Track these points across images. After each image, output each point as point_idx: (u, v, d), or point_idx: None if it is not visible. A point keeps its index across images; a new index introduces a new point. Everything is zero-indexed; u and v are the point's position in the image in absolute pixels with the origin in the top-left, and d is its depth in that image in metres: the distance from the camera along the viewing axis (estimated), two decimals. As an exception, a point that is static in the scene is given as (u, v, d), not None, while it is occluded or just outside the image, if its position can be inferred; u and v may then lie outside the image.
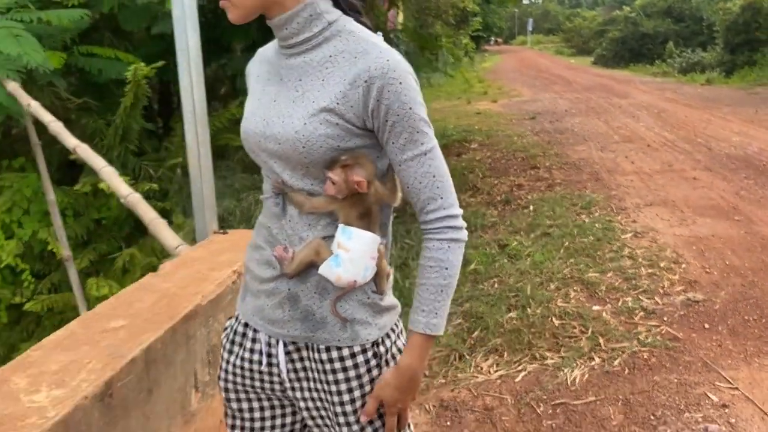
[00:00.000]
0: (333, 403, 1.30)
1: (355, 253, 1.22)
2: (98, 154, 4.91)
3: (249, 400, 1.41)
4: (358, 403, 1.30)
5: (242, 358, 1.39)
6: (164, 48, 5.59)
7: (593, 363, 3.31)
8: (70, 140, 3.23)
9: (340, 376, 1.29)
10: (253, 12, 1.22)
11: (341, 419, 1.30)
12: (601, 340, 3.51)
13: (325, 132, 1.19)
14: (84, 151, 3.15)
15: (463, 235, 1.27)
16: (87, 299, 4.81)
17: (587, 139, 9.65)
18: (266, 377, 1.37)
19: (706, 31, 25.41)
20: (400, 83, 1.17)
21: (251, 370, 1.38)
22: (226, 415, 1.45)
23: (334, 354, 1.28)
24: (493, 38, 43.64)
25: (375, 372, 1.30)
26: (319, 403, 1.33)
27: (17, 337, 5.23)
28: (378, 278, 1.29)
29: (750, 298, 3.85)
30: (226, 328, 1.46)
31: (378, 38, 1.24)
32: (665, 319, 3.68)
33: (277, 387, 1.37)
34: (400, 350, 1.34)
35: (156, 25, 4.62)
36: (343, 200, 1.23)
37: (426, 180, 1.22)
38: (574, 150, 8.85)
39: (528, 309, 3.98)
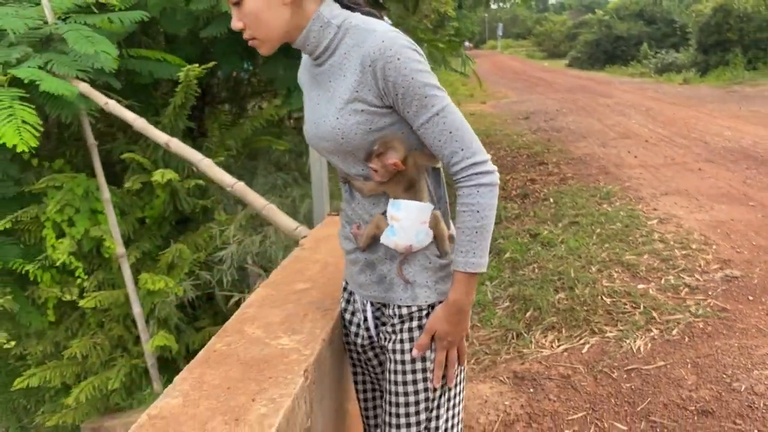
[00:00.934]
0: (395, 351, 1.50)
1: (405, 221, 1.41)
2: (143, 154, 5.08)
3: (364, 351, 1.68)
4: (407, 356, 1.48)
5: (352, 314, 1.68)
6: (201, 50, 5.76)
7: (652, 333, 3.57)
8: (160, 136, 3.38)
9: (398, 327, 1.49)
10: (278, 42, 1.41)
11: (398, 366, 1.50)
12: (654, 314, 3.77)
13: (355, 120, 1.36)
14: (177, 145, 3.31)
15: (491, 178, 1.37)
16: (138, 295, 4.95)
17: (585, 136, 9.98)
18: (366, 332, 1.64)
19: (678, 33, 26.17)
20: (398, 58, 1.30)
21: (358, 326, 1.66)
22: (350, 364, 1.75)
23: (396, 311, 1.50)
24: (466, 42, 44.08)
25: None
26: (389, 345, 1.52)
27: (62, 335, 5.33)
28: (438, 242, 1.47)
29: (783, 273, 4.16)
30: (343, 293, 1.73)
31: (380, 23, 1.38)
32: (710, 293, 3.96)
33: (374, 340, 1.63)
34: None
35: (206, 28, 4.76)
36: (389, 180, 1.42)
37: (443, 137, 1.34)
38: (575, 146, 9.17)
39: (576, 290, 4.22)
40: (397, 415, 1.50)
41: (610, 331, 3.67)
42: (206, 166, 3.14)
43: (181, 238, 5.47)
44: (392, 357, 1.51)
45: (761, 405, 2.78)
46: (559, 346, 3.64)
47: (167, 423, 1.26)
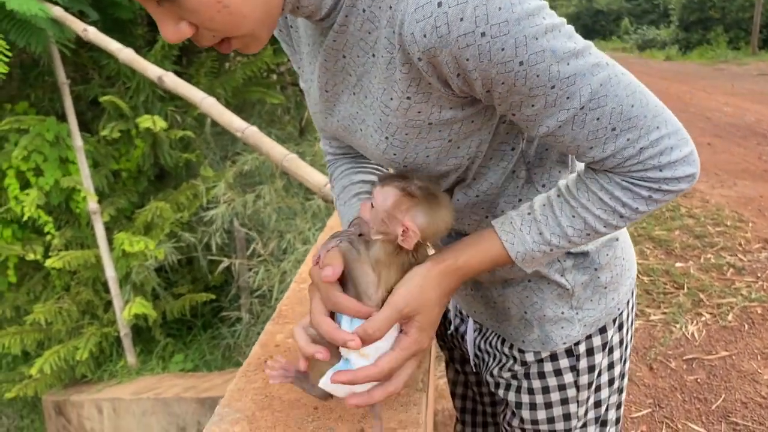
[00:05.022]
0: (520, 405, 1.03)
1: None
2: (122, 99, 4.49)
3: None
4: (540, 414, 1.01)
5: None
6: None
7: (704, 318, 3.19)
8: (151, 69, 2.84)
9: (520, 372, 1.01)
10: (271, 26, 0.72)
11: (528, 426, 1.04)
12: (702, 296, 3.39)
13: (429, 144, 0.79)
14: (173, 80, 2.78)
15: (687, 183, 0.76)
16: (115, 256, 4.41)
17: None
18: (456, 342, 1.23)
19: (657, 10, 25.99)
20: (483, 34, 0.64)
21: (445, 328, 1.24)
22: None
23: (516, 354, 1.00)
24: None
25: (568, 377, 0.98)
26: (510, 396, 1.04)
27: (24, 299, 4.78)
28: None
29: (833, 255, 3.82)
30: None
31: None
32: (758, 275, 3.60)
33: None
34: (619, 343, 1.01)
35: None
36: None
37: (599, 133, 0.73)
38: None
39: (606, 266, 3.83)
40: None
41: (654, 314, 3.28)
42: (209, 106, 2.62)
43: (161, 195, 4.92)
44: (517, 412, 1.03)
45: None
46: (597, 329, 3.24)
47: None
